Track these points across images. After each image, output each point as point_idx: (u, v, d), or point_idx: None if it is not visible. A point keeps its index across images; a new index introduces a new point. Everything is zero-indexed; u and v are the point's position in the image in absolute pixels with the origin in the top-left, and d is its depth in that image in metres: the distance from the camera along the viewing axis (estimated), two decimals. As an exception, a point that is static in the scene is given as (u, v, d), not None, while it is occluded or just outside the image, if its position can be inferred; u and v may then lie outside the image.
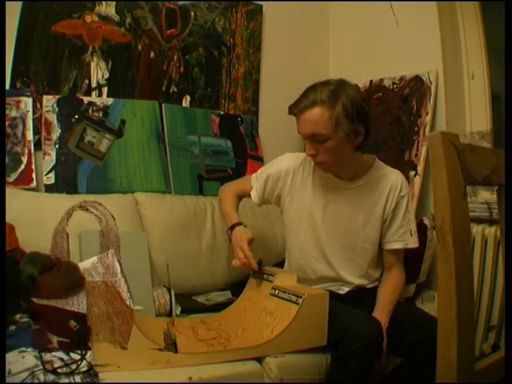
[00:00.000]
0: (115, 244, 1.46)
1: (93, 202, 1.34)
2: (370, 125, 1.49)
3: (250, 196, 1.72)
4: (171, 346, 1.26)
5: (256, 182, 1.70)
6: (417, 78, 2.22)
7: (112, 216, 1.32)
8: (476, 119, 2.22)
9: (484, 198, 1.98)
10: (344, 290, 1.61)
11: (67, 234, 1.45)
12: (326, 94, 1.41)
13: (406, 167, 2.17)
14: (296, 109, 1.45)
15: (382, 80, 2.38)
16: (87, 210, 1.38)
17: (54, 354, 1.18)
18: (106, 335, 1.20)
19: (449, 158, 0.75)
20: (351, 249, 1.58)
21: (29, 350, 1.16)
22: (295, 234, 1.64)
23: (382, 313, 1.48)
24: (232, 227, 1.62)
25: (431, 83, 2.16)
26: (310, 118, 1.42)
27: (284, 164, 1.64)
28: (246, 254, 1.53)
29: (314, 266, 1.61)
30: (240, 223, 1.62)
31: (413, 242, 1.57)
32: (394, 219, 1.55)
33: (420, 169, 2.13)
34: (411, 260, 1.78)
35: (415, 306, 1.74)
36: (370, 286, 1.61)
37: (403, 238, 1.56)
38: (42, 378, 1.09)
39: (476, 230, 1.92)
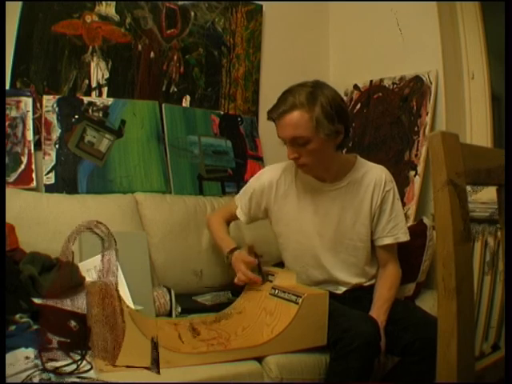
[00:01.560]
0: (114, 267, 1.47)
1: (97, 222, 1.35)
2: (349, 123, 1.51)
3: (237, 217, 1.74)
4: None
5: (240, 201, 1.71)
6: (417, 78, 2.22)
7: (114, 239, 1.33)
8: (476, 119, 2.23)
9: (484, 198, 1.97)
10: (341, 289, 1.61)
11: (73, 252, 1.47)
12: (304, 97, 1.40)
13: (405, 167, 2.17)
14: (275, 113, 1.45)
15: (382, 80, 2.38)
16: (92, 230, 1.39)
17: (53, 353, 1.18)
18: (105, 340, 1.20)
19: (449, 158, 0.75)
20: (344, 249, 1.58)
21: (29, 349, 1.16)
22: (287, 245, 1.65)
23: (379, 311, 1.47)
24: (231, 252, 1.62)
25: (431, 83, 2.16)
26: (289, 122, 1.42)
27: (266, 177, 1.64)
28: (247, 276, 1.54)
29: (309, 272, 1.61)
30: (237, 248, 1.63)
31: (403, 236, 1.57)
32: (382, 215, 1.55)
33: (420, 169, 2.13)
34: (411, 259, 1.79)
35: (414, 304, 1.74)
36: (367, 283, 1.61)
37: (393, 233, 1.55)
38: (42, 378, 1.09)
39: (476, 229, 1.92)
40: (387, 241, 1.56)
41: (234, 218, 1.76)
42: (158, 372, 1.20)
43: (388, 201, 1.55)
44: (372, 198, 1.54)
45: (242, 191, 1.74)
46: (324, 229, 1.57)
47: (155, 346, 1.22)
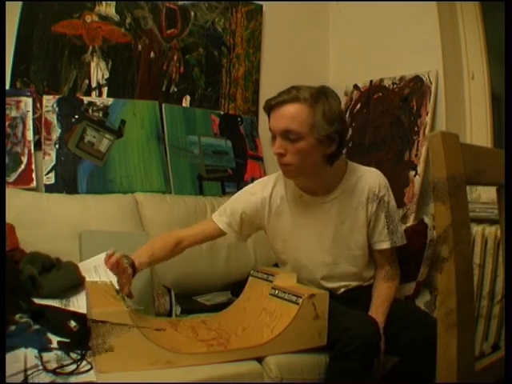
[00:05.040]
0: None
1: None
2: (344, 138, 1.44)
3: (211, 238, 1.63)
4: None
5: (226, 218, 1.58)
6: (417, 78, 2.22)
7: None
8: (476, 119, 2.23)
9: (484, 198, 1.97)
10: (340, 290, 1.60)
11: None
12: (309, 94, 1.36)
13: (405, 167, 2.17)
14: (274, 101, 1.39)
15: (382, 80, 2.38)
16: None
17: (53, 353, 1.18)
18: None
19: (449, 158, 0.75)
20: (343, 260, 1.55)
21: (29, 350, 1.16)
22: (284, 262, 1.63)
23: (377, 311, 1.47)
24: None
25: (431, 83, 2.16)
26: (287, 113, 1.36)
27: (257, 195, 1.56)
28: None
29: (308, 279, 1.58)
30: (125, 256, 1.42)
31: (400, 240, 1.55)
32: (378, 220, 1.52)
33: (420, 169, 2.13)
34: (411, 259, 1.79)
35: (414, 304, 1.74)
36: (366, 283, 1.61)
37: (390, 237, 1.53)
38: (42, 377, 1.09)
39: (476, 229, 1.92)
40: (384, 245, 1.54)
41: (207, 237, 1.62)
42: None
43: (383, 206, 1.52)
44: (367, 205, 1.51)
45: (226, 208, 1.60)
46: (321, 243, 1.54)
47: None
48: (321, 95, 1.38)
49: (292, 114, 1.36)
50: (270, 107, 1.41)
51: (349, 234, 1.53)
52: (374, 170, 1.56)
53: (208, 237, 1.63)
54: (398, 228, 1.55)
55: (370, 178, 1.52)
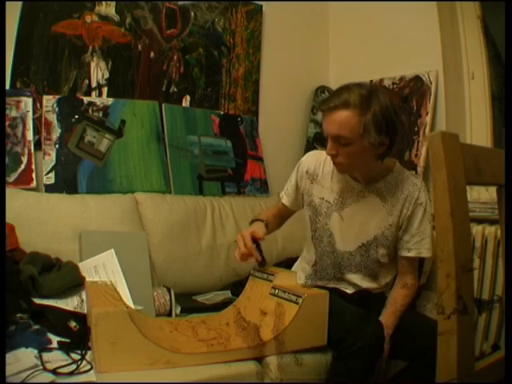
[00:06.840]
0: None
1: None
2: (396, 137, 1.44)
3: (289, 213, 1.73)
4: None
5: (286, 188, 1.70)
6: (417, 78, 2.22)
7: None
8: (476, 119, 2.22)
9: (484, 197, 1.97)
10: (351, 290, 1.60)
11: None
12: (359, 98, 1.37)
13: (405, 167, 2.15)
14: (325, 106, 1.41)
15: (382, 80, 2.38)
16: None
17: (53, 353, 1.18)
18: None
19: (449, 158, 0.75)
20: (363, 252, 1.55)
21: (29, 350, 1.16)
22: (310, 232, 1.64)
23: (389, 317, 1.46)
24: (251, 221, 1.65)
25: (431, 83, 2.16)
26: (337, 119, 1.38)
27: (305, 163, 1.63)
28: (248, 248, 1.49)
29: (324, 263, 1.60)
30: (259, 219, 1.63)
31: (427, 252, 1.53)
32: (409, 227, 1.52)
33: (420, 169, 2.13)
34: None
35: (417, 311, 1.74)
36: (378, 291, 1.60)
37: (417, 247, 1.52)
38: (42, 377, 1.09)
39: (476, 230, 1.92)
40: (410, 254, 1.53)
41: (284, 212, 1.73)
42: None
43: (418, 214, 1.51)
44: (402, 208, 1.51)
45: (287, 186, 1.72)
46: (348, 228, 1.55)
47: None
48: (372, 98, 1.38)
49: (342, 121, 1.38)
50: (322, 111, 1.45)
51: (375, 228, 1.54)
52: (417, 177, 1.59)
53: (288, 215, 1.74)
54: (428, 240, 1.53)
55: (413, 184, 1.53)
